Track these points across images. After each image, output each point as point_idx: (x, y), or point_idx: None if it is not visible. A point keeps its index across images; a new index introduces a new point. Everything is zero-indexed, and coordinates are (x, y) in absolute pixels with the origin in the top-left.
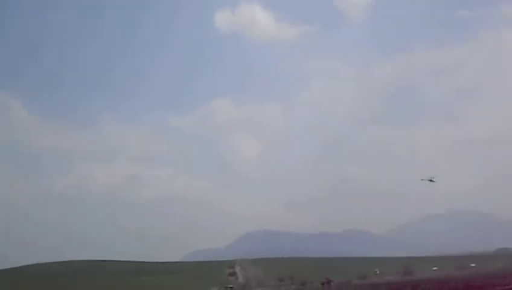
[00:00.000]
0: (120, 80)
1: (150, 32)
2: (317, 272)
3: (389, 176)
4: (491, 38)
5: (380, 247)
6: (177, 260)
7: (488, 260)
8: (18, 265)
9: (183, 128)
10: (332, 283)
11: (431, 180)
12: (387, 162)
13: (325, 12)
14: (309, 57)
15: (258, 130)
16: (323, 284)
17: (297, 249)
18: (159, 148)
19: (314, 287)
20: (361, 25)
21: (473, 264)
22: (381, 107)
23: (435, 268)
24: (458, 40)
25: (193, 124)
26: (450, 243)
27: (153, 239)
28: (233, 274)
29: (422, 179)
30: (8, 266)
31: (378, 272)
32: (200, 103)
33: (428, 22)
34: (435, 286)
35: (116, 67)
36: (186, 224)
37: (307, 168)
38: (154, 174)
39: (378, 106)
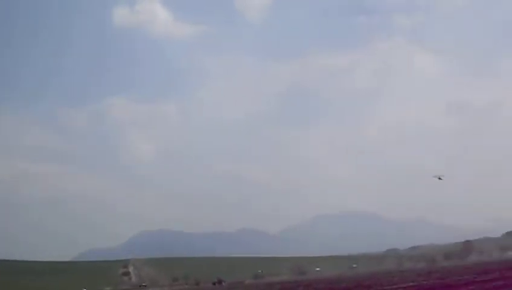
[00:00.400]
0: (13, 73)
1: (45, 26)
2: (212, 272)
3: (284, 176)
4: (385, 45)
5: (275, 247)
6: (69, 259)
7: (379, 260)
8: None
9: (76, 125)
10: (223, 283)
11: (440, 178)
12: (282, 163)
13: (224, 13)
14: (207, 56)
15: (154, 128)
16: (214, 284)
17: (192, 248)
18: (51, 145)
19: (206, 288)
20: (260, 27)
21: (354, 265)
22: (277, 108)
23: (318, 269)
24: (353, 46)
25: (87, 121)
26: (342, 243)
27: (43, 238)
28: (126, 274)
29: (434, 176)
30: None
31: (261, 272)
32: (95, 99)
33: (325, 27)
34: (327, 285)
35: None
36: (78, 223)
37: (202, 168)
38: (45, 171)
39: (275, 107)
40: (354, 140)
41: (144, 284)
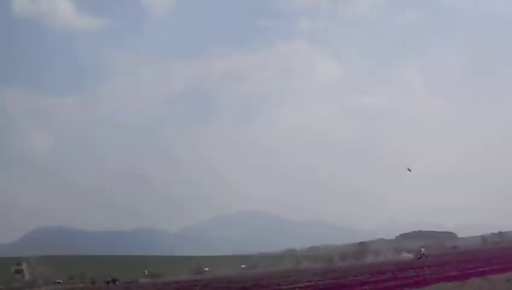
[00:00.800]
0: None
1: None
2: (110, 271)
3: (184, 175)
4: (288, 48)
5: (174, 246)
6: None
7: (277, 259)
8: None
9: None
10: (117, 282)
11: (409, 170)
12: (184, 162)
13: (129, 8)
14: (110, 50)
15: (52, 122)
16: (108, 283)
17: (91, 246)
18: None
19: (101, 287)
20: (165, 24)
21: (243, 265)
22: (179, 107)
23: (206, 269)
24: (256, 48)
25: None
26: (242, 242)
27: None
28: (19, 272)
29: (408, 169)
30: None
31: (146, 272)
32: None
33: (229, 28)
34: (224, 285)
35: None
36: None
37: (102, 165)
38: None
39: (177, 106)
40: (256, 141)
41: (58, 281)
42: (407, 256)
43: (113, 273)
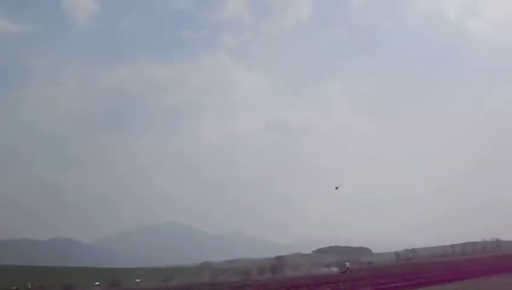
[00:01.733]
0: None
1: None
2: (19, 281)
3: (102, 184)
4: (210, 60)
5: (88, 257)
6: None
7: (194, 272)
8: None
9: None
10: None
11: (337, 188)
12: (102, 171)
13: (50, 13)
14: (29, 55)
15: None
16: None
17: (2, 255)
18: None
19: None
20: (88, 31)
21: (138, 280)
22: (101, 114)
23: (138, 280)
24: (179, 58)
25: None
26: (160, 255)
27: None
28: None
29: (336, 188)
30: None
31: (30, 286)
32: None
33: (153, 38)
34: None
35: None
36: None
37: (16, 172)
38: None
39: (98, 113)
40: (174, 151)
41: (28, 284)
42: (331, 270)
43: (25, 283)
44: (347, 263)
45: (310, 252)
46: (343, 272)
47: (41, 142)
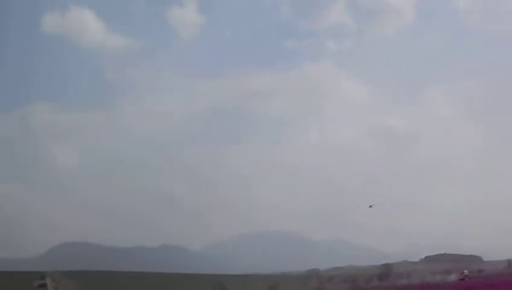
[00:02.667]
0: None
1: None
2: (131, 287)
3: (208, 193)
4: (314, 68)
5: (196, 264)
6: None
7: (300, 280)
8: None
9: None
10: None
11: (371, 206)
12: (208, 180)
13: (158, 27)
14: (138, 69)
15: (79, 138)
16: None
17: (114, 262)
18: None
19: None
20: (192, 44)
21: None
22: (205, 126)
23: None
24: (284, 68)
25: (9, 124)
26: (265, 262)
27: None
28: (43, 286)
29: (370, 206)
30: None
31: None
32: (20, 104)
33: (255, 49)
34: None
35: None
36: None
37: (127, 181)
38: None
39: (203, 124)
40: (280, 160)
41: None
42: (447, 278)
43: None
44: (465, 271)
45: (417, 260)
46: (461, 280)
47: (151, 153)
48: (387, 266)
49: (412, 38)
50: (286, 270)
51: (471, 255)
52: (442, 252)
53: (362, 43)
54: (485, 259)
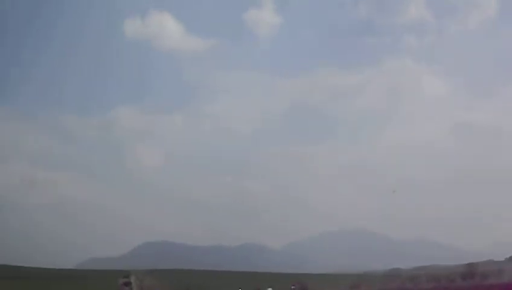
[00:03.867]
0: (20, 78)
1: (55, 34)
2: (213, 285)
3: (287, 192)
4: (394, 65)
5: (277, 262)
6: (70, 267)
7: (381, 279)
8: None
9: (85, 132)
10: None
11: (394, 191)
12: (288, 179)
13: (234, 28)
14: (216, 70)
15: (162, 140)
16: None
17: (195, 261)
18: (57, 152)
19: None
20: (269, 44)
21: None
22: (284, 125)
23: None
24: (361, 66)
25: (94, 129)
26: (345, 261)
27: (45, 244)
28: (127, 284)
29: (394, 191)
30: None
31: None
32: (105, 108)
33: (333, 47)
34: None
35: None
36: (81, 230)
37: (208, 180)
38: (51, 177)
39: (282, 124)
40: (361, 159)
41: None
42: None
43: (219, 287)
44: None
45: (503, 259)
46: None
47: (232, 153)
48: (471, 265)
49: (495, 33)
50: (368, 269)
51: None
52: None
53: (443, 38)
54: None
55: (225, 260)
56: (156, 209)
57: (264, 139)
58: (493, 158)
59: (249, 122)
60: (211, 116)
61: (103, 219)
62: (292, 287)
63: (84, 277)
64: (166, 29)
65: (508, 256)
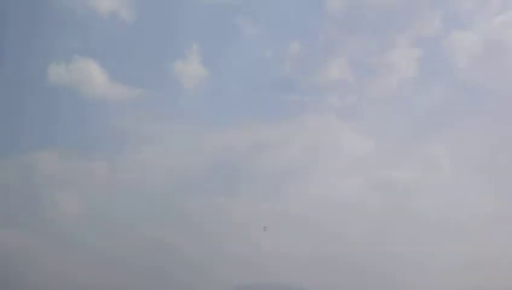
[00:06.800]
0: None
1: None
2: None
3: (211, 244)
4: (315, 122)
5: None
6: None
7: None
8: None
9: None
10: None
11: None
12: (209, 231)
13: (161, 78)
14: (143, 119)
15: (81, 186)
16: None
17: None
18: None
19: None
20: (195, 96)
21: None
22: (207, 177)
23: None
24: (284, 121)
25: (10, 174)
26: None
27: None
28: None
29: (264, 229)
30: None
31: None
32: (22, 152)
33: (257, 102)
34: None
35: None
36: None
37: (127, 232)
38: None
39: (204, 176)
40: (278, 212)
41: None
42: None
43: None
44: None
45: None
46: None
47: (153, 204)
48: None
49: (414, 93)
50: None
51: None
52: None
53: (364, 98)
54: None
55: None
56: (72, 262)
57: (186, 191)
58: (411, 212)
59: (172, 172)
60: (133, 166)
61: (22, 265)
62: None
63: None
64: (91, 76)
65: None
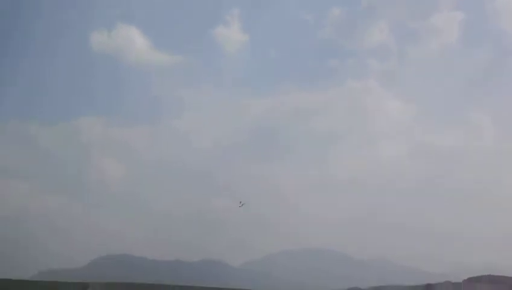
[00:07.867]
0: None
1: (22, 45)
2: None
3: (250, 209)
4: (357, 86)
5: (236, 279)
6: (27, 278)
7: None
8: None
9: (44, 143)
10: None
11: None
12: (251, 196)
13: (203, 44)
14: (183, 85)
15: (125, 153)
16: None
17: (154, 275)
18: (15, 161)
19: None
20: (236, 62)
21: None
22: (249, 142)
23: None
24: (326, 87)
25: (55, 139)
26: (305, 279)
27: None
28: None
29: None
30: None
31: None
32: (65, 118)
33: (298, 67)
34: None
35: None
36: (39, 241)
37: (169, 195)
38: (6, 187)
39: (247, 141)
40: (324, 179)
41: None
42: None
43: None
44: None
45: (460, 281)
46: None
47: (195, 169)
48: (429, 286)
49: (457, 57)
50: (327, 287)
51: None
52: (487, 273)
53: (406, 62)
54: None
55: (184, 274)
56: (116, 222)
57: (228, 155)
58: (451, 179)
59: (213, 139)
60: (177, 131)
61: (61, 230)
62: None
63: (38, 288)
64: (133, 43)
65: (465, 277)
